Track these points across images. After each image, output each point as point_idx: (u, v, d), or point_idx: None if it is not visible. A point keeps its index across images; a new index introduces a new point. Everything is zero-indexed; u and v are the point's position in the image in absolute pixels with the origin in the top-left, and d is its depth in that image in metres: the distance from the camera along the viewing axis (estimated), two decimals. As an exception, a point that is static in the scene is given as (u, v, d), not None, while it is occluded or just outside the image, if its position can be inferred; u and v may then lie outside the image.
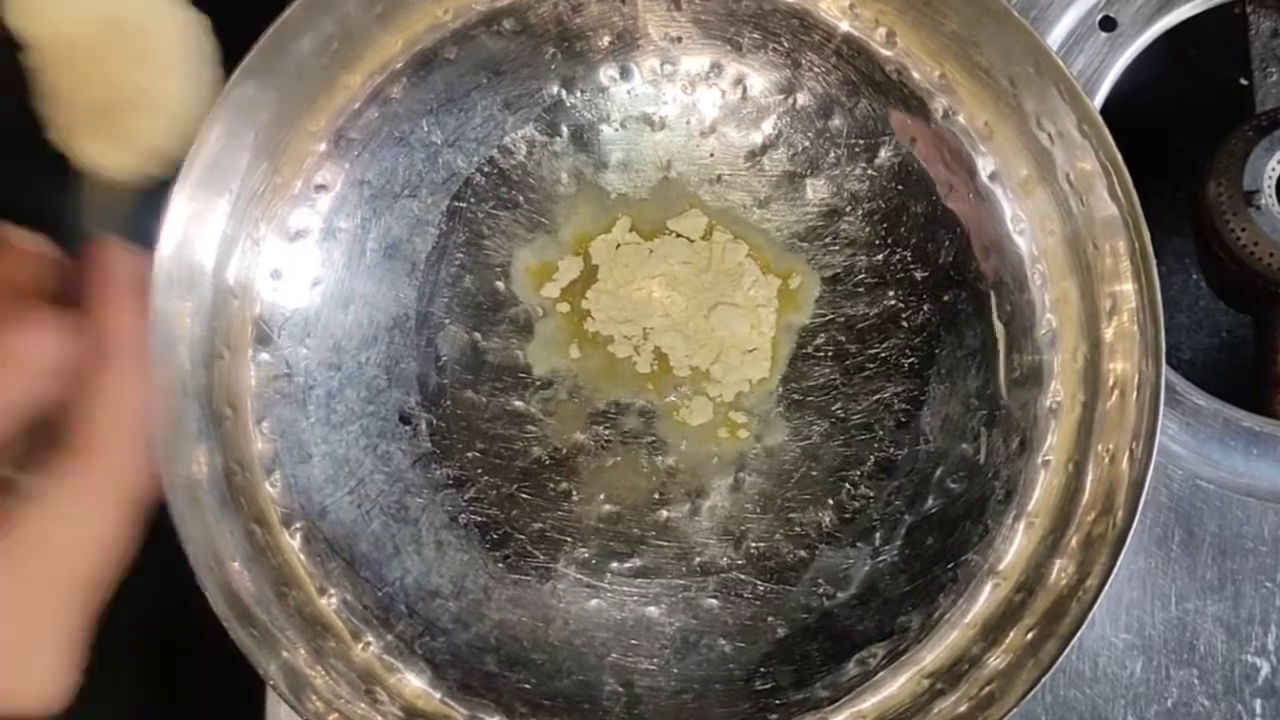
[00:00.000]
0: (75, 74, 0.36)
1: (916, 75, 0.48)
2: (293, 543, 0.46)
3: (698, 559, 0.49)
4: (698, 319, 0.50)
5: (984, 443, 0.48)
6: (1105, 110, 0.54)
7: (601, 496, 0.49)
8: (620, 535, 0.49)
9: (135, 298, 0.32)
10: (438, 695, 0.46)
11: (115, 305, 0.31)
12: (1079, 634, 0.43)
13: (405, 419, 0.49)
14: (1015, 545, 0.47)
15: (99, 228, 0.34)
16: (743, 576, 0.48)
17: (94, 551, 0.30)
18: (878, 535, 0.48)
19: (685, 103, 0.50)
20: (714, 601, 0.48)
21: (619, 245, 0.49)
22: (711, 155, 0.50)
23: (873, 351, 0.49)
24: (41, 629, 0.29)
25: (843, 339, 0.49)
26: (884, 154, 0.49)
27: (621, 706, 0.47)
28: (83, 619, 0.30)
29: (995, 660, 0.45)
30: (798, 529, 0.49)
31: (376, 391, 0.49)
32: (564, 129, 0.50)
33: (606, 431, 0.49)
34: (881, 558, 0.48)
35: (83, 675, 0.29)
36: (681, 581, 0.48)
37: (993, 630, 0.46)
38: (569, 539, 0.49)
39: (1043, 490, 0.47)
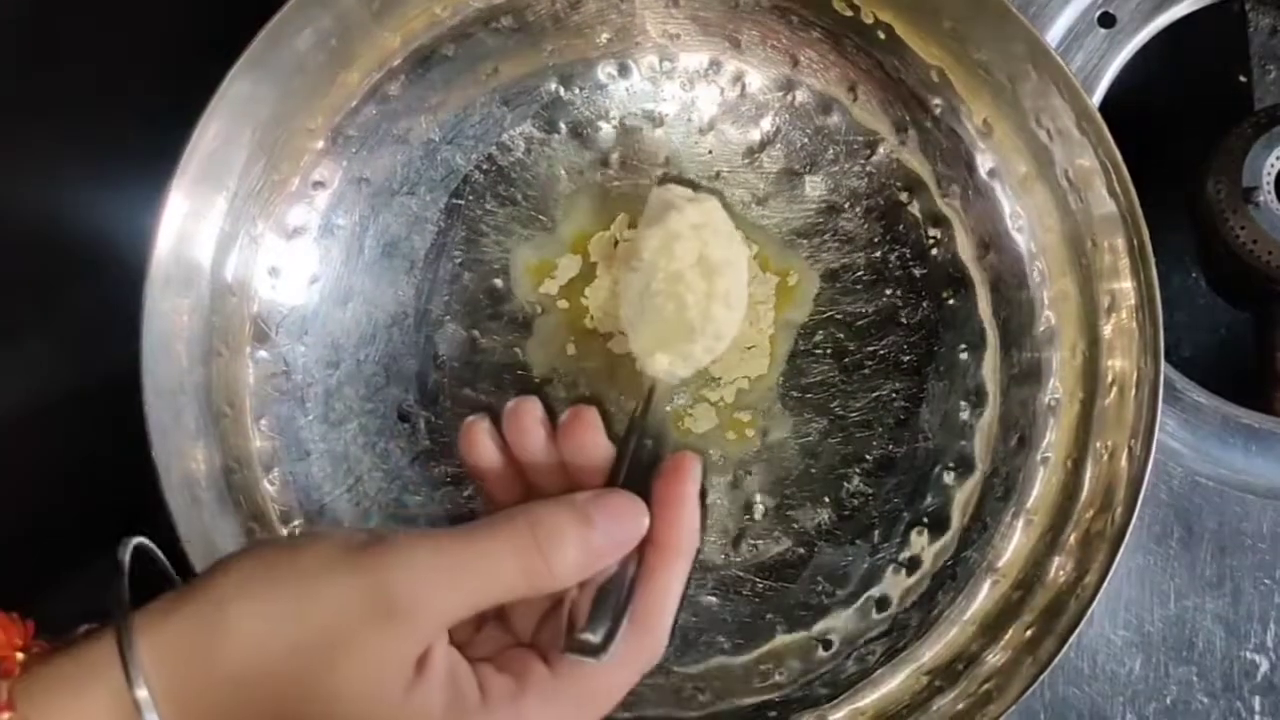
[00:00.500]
0: (665, 297, 0.45)
1: (915, 72, 0.48)
2: (291, 540, 0.46)
3: (697, 556, 0.48)
4: (696, 316, 0.49)
5: (982, 440, 0.48)
6: (1104, 107, 0.54)
7: (600, 494, 0.49)
8: (619, 533, 0.49)
9: (692, 503, 0.37)
10: (436, 693, 0.46)
11: (678, 507, 0.36)
12: (1077, 631, 0.43)
13: (404, 417, 0.49)
14: (1014, 542, 0.47)
15: (653, 423, 0.41)
16: (741, 574, 0.48)
17: (603, 712, 0.35)
18: (876, 532, 0.48)
19: (684, 100, 0.50)
20: (713, 599, 0.48)
21: (617, 242, 0.49)
22: (710, 152, 0.50)
23: (871, 349, 0.49)
24: None
25: (841, 336, 0.49)
26: (882, 151, 0.49)
27: (621, 705, 0.47)
28: None
29: (994, 657, 0.45)
30: (796, 527, 0.49)
31: (375, 389, 0.49)
32: (562, 126, 0.50)
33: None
34: (880, 555, 0.48)
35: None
36: (680, 579, 0.48)
37: (991, 627, 0.46)
38: (567, 536, 0.48)
39: (1042, 487, 0.47)
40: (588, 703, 0.34)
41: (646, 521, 0.35)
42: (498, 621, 0.37)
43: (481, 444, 0.39)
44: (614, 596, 0.35)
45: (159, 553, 0.37)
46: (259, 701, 0.31)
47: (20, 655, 0.31)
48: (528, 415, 0.39)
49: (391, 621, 0.31)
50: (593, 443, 0.38)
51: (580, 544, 0.34)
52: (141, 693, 0.30)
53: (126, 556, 0.33)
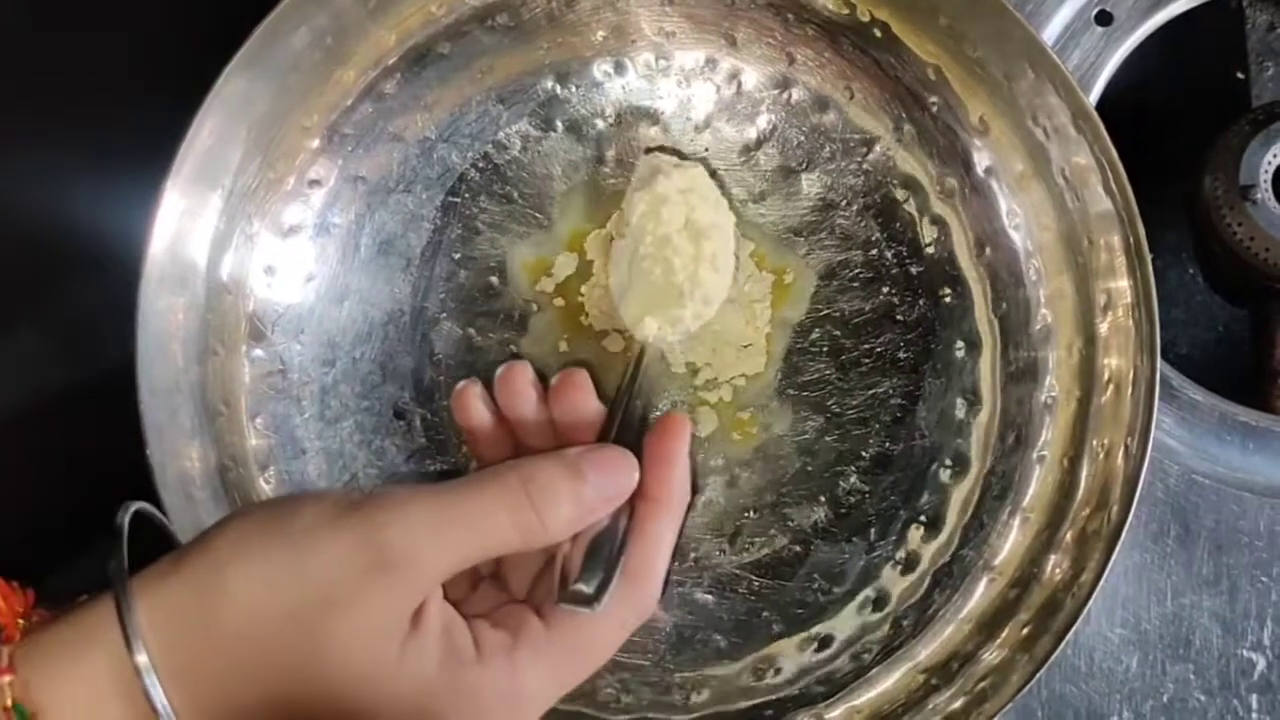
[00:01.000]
0: (653, 261, 0.45)
1: (911, 70, 0.47)
2: (287, 539, 0.46)
3: (693, 554, 0.48)
4: (693, 314, 0.49)
5: (979, 438, 0.48)
6: (1101, 105, 0.54)
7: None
8: (615, 531, 0.49)
9: (683, 460, 0.37)
10: (432, 691, 0.46)
11: (668, 464, 0.37)
12: (1074, 629, 0.43)
13: (400, 414, 0.49)
14: (1010, 541, 0.47)
15: (642, 386, 0.42)
16: (737, 572, 0.48)
17: (597, 664, 0.35)
18: (873, 531, 0.48)
19: (680, 97, 0.50)
20: (709, 597, 0.48)
21: (613, 240, 0.49)
22: (706, 150, 0.50)
23: (867, 346, 0.49)
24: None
25: (838, 334, 0.49)
26: (878, 149, 0.49)
27: (617, 701, 0.47)
28: None
29: (990, 655, 0.45)
30: (793, 525, 0.49)
31: (371, 387, 0.49)
32: (559, 124, 0.50)
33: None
34: (877, 553, 0.48)
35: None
36: (676, 577, 0.48)
37: (988, 626, 0.46)
38: (564, 535, 0.48)
39: (1038, 485, 0.47)
40: (581, 654, 0.34)
41: (637, 475, 0.36)
42: (493, 580, 0.37)
43: (473, 406, 0.40)
44: (606, 549, 0.35)
45: (161, 516, 0.37)
46: (258, 664, 0.31)
47: (21, 622, 0.32)
48: (519, 378, 0.39)
49: (385, 575, 0.31)
50: (583, 404, 0.39)
51: (572, 498, 0.34)
52: (141, 658, 0.30)
53: (126, 521, 0.34)
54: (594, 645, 0.35)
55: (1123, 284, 0.45)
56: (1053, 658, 0.43)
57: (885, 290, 0.49)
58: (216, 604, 0.31)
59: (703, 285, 0.46)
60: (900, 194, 0.49)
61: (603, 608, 0.34)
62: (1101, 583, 0.43)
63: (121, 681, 0.30)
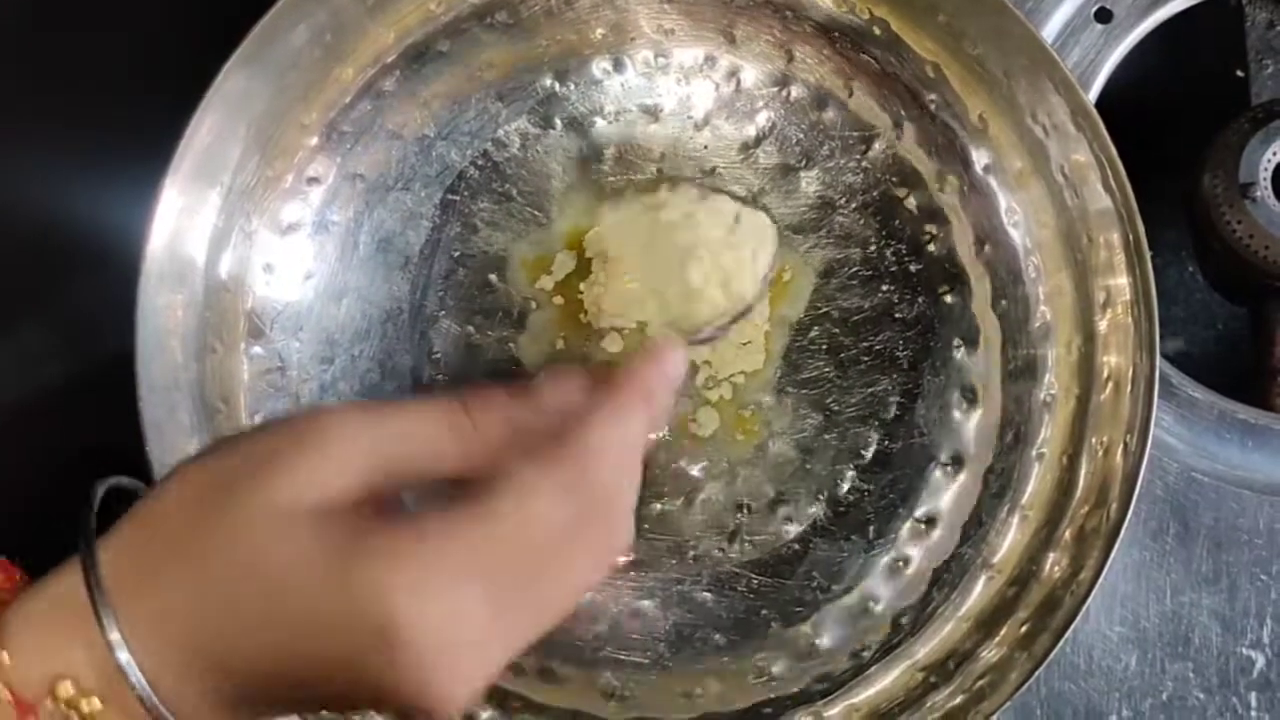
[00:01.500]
0: (631, 262, 0.45)
1: (910, 67, 0.48)
2: (286, 536, 0.46)
3: (691, 552, 0.48)
4: (692, 312, 0.49)
5: (978, 436, 0.48)
6: (1100, 102, 0.54)
7: (595, 490, 0.49)
8: (614, 528, 0.48)
9: (664, 366, 0.36)
10: (431, 689, 0.46)
11: (645, 364, 0.36)
12: (1073, 627, 0.43)
13: (399, 412, 0.49)
14: (1009, 538, 0.47)
15: None
16: (736, 570, 0.48)
17: (533, 559, 0.31)
18: (871, 529, 0.48)
19: (679, 95, 0.50)
20: (708, 595, 0.48)
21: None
22: (705, 148, 0.50)
23: (866, 344, 0.49)
24: (493, 622, 0.30)
25: (837, 332, 0.49)
26: (878, 146, 0.49)
27: (616, 700, 0.47)
28: (531, 631, 0.31)
29: (989, 653, 0.45)
30: (792, 523, 0.49)
31: (370, 385, 0.49)
32: (558, 121, 0.50)
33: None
34: (875, 551, 0.48)
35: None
36: (675, 575, 0.48)
37: (986, 623, 0.46)
38: (563, 532, 0.48)
39: (1037, 483, 0.47)
40: (504, 537, 0.30)
41: (583, 392, 0.35)
42: None
43: None
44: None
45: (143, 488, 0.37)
46: (183, 538, 0.30)
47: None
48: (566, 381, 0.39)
49: (307, 444, 0.31)
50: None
51: (506, 403, 0.34)
52: (114, 635, 0.29)
53: (99, 494, 0.33)
54: (516, 529, 0.30)
55: (1122, 281, 0.45)
56: (1051, 656, 0.43)
57: (884, 288, 0.49)
58: (155, 496, 0.31)
59: (687, 232, 0.44)
60: (899, 191, 0.49)
61: (514, 473, 0.31)
62: (1100, 580, 0.43)
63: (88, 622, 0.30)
